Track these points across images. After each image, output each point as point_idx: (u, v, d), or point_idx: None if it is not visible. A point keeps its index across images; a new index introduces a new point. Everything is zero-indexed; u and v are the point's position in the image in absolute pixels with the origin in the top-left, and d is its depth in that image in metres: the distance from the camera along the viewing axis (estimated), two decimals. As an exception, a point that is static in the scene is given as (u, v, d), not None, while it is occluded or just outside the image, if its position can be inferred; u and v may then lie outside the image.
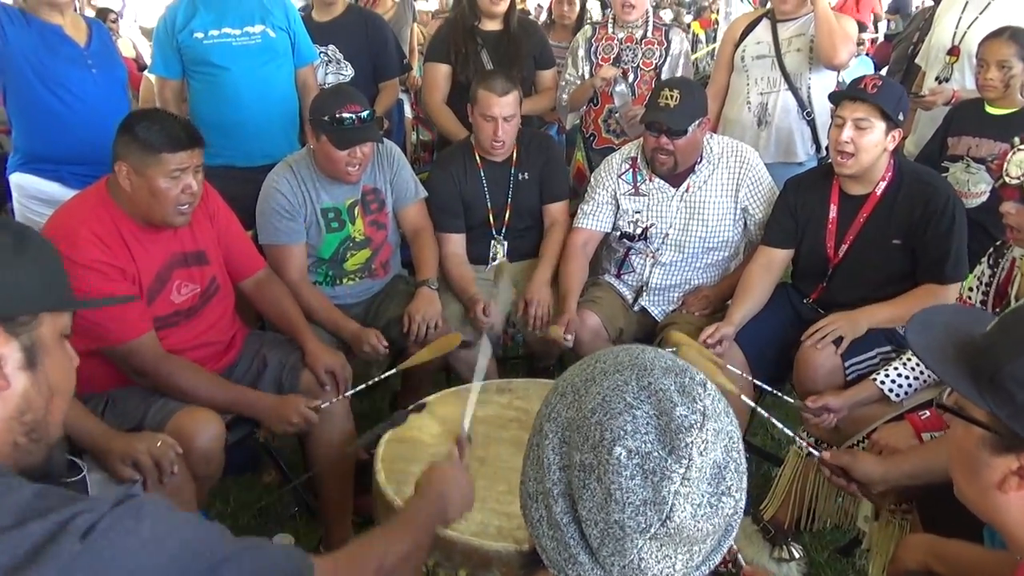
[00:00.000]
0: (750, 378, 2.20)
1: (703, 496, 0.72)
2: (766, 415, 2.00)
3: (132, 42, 7.06)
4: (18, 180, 2.71)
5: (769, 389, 2.19)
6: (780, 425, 1.96)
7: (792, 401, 2.07)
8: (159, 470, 1.76)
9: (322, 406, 2.08)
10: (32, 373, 0.92)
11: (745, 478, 0.77)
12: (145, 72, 4.29)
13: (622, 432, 0.72)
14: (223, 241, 2.23)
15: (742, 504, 0.76)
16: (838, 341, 2.21)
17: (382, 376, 2.17)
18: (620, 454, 0.71)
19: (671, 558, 0.73)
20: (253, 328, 2.48)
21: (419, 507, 1.36)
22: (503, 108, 2.60)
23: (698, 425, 0.72)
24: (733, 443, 0.75)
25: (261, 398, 2.09)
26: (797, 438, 1.97)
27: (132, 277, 1.96)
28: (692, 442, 0.71)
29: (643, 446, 0.72)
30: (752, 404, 2.06)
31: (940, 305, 1.91)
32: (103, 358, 1.98)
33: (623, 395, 0.74)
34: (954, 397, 1.02)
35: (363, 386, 2.21)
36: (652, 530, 0.71)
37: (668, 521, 0.71)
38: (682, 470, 0.71)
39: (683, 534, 0.72)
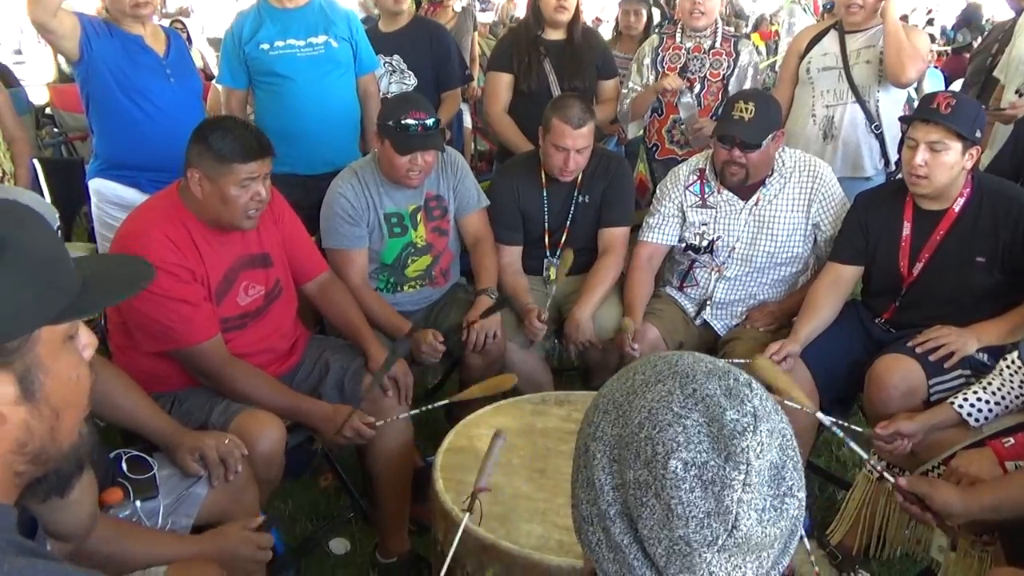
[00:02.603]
0: (819, 413, 2.12)
1: (766, 500, 0.70)
2: (841, 434, 1.92)
3: (200, 52, 7.27)
4: (97, 185, 2.80)
5: (838, 423, 2.10)
6: (856, 448, 1.88)
7: (861, 430, 2.00)
8: (224, 467, 1.78)
9: (377, 424, 2.08)
10: (31, 404, 0.79)
11: (803, 475, 0.74)
12: (212, 82, 4.41)
13: (675, 444, 0.70)
14: (287, 243, 2.26)
15: (804, 502, 0.74)
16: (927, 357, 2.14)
17: (435, 406, 2.14)
18: (676, 467, 0.69)
19: (741, 568, 0.71)
20: (313, 332, 2.50)
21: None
22: (577, 141, 2.53)
23: (751, 428, 0.70)
24: (787, 441, 0.73)
25: (318, 408, 2.10)
26: (870, 463, 1.89)
27: (201, 278, 2.00)
28: (748, 446, 0.69)
29: (698, 456, 0.69)
30: (827, 420, 1.97)
31: None
32: (171, 358, 2.02)
33: (669, 406, 0.72)
34: None
35: (417, 410, 2.20)
36: (720, 542, 0.69)
37: (735, 531, 0.69)
38: (742, 476, 0.68)
39: (751, 542, 0.70)
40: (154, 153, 2.65)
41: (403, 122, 2.36)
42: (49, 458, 0.83)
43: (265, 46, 2.93)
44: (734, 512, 0.69)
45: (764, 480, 0.70)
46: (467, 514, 1.57)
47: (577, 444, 0.81)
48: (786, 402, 1.99)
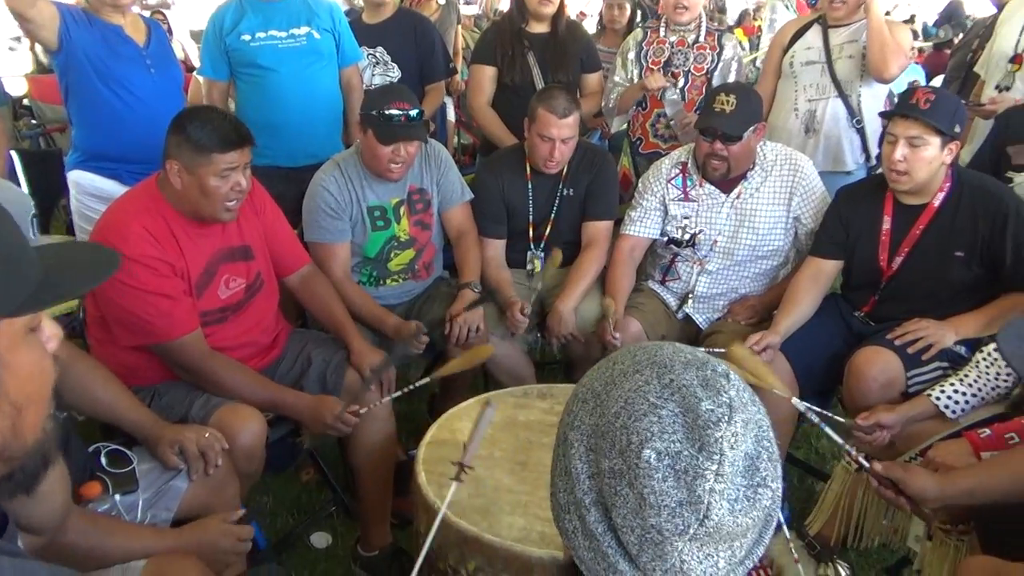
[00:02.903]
0: (795, 398, 2.13)
1: (739, 490, 0.70)
2: (816, 420, 1.92)
3: (181, 44, 7.20)
4: (76, 177, 2.75)
5: (816, 410, 2.10)
6: (831, 433, 1.88)
7: (842, 420, 2.01)
8: (204, 461, 1.77)
9: (361, 411, 2.07)
10: None
11: (779, 466, 0.74)
12: (194, 73, 4.36)
13: (649, 434, 0.70)
14: (269, 236, 2.24)
15: (779, 493, 0.74)
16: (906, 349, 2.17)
17: (417, 384, 2.15)
18: (649, 457, 0.70)
19: (713, 557, 0.72)
20: (294, 326, 2.49)
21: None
22: (562, 130, 2.55)
23: (726, 418, 0.70)
24: (763, 432, 0.73)
25: (300, 400, 2.09)
26: (847, 449, 1.89)
27: (181, 272, 1.99)
28: (722, 436, 0.69)
29: (672, 446, 0.70)
30: (802, 406, 1.98)
31: None
32: (150, 352, 2.00)
33: (646, 395, 0.72)
34: None
35: (399, 392, 2.18)
36: (691, 531, 0.70)
37: (706, 520, 0.69)
38: (714, 466, 0.69)
39: (723, 531, 0.70)
40: (134, 145, 2.62)
41: (386, 112, 2.35)
42: (12, 455, 0.80)
43: (247, 37, 2.91)
44: (706, 502, 0.69)
45: (738, 470, 0.70)
46: (453, 483, 1.56)
47: (557, 433, 0.82)
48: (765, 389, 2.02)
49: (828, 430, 1.90)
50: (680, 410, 0.71)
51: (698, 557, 0.71)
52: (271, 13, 2.92)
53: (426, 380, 2.18)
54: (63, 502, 1.32)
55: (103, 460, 1.71)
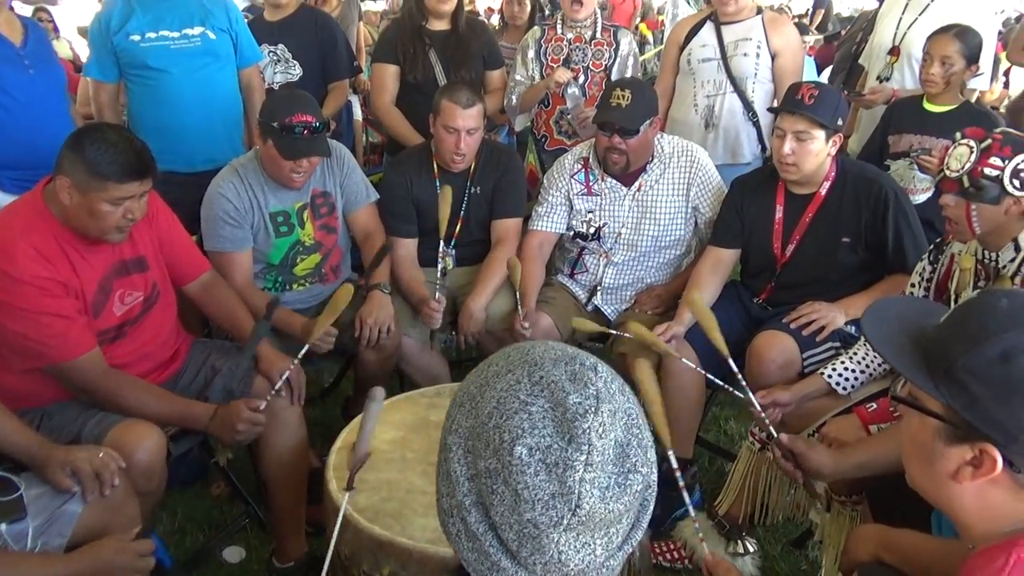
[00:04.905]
0: (702, 371, 2.21)
1: (610, 478, 0.72)
2: (720, 383, 1.99)
3: (69, 43, 6.84)
4: (-48, 186, 2.57)
5: (721, 384, 2.19)
6: (751, 396, 1.94)
7: (742, 396, 2.10)
8: (99, 482, 1.69)
9: (261, 407, 2.01)
10: None
11: (652, 451, 0.77)
12: (82, 74, 4.14)
13: (520, 431, 0.72)
14: (165, 245, 2.16)
15: (654, 477, 0.77)
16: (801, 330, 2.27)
17: (300, 354, 2.10)
18: (521, 453, 0.71)
19: (590, 545, 0.73)
20: (199, 336, 2.41)
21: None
22: (466, 121, 2.56)
23: (592, 409, 0.72)
24: (633, 420, 0.75)
25: (206, 411, 2.02)
26: (757, 412, 1.95)
27: (75, 291, 1.89)
28: (589, 427, 0.71)
29: (542, 441, 0.71)
30: (718, 382, 2.05)
31: (891, 297, 1.94)
32: (38, 373, 1.90)
33: (516, 394, 0.74)
34: (908, 388, 1.03)
35: (286, 373, 2.09)
36: (565, 522, 0.71)
37: (578, 509, 0.71)
38: (583, 456, 0.71)
39: (596, 519, 0.72)
40: (14, 150, 2.46)
41: (288, 124, 2.29)
42: None
43: (136, 37, 2.77)
44: (577, 492, 0.71)
45: (608, 459, 0.72)
46: (347, 494, 1.54)
47: (440, 439, 0.82)
48: (684, 360, 2.12)
49: (749, 392, 1.95)
50: (549, 405, 0.73)
51: (575, 547, 0.73)
52: (162, 12, 2.80)
53: (304, 349, 2.11)
54: None
55: (-15, 488, 1.62)
